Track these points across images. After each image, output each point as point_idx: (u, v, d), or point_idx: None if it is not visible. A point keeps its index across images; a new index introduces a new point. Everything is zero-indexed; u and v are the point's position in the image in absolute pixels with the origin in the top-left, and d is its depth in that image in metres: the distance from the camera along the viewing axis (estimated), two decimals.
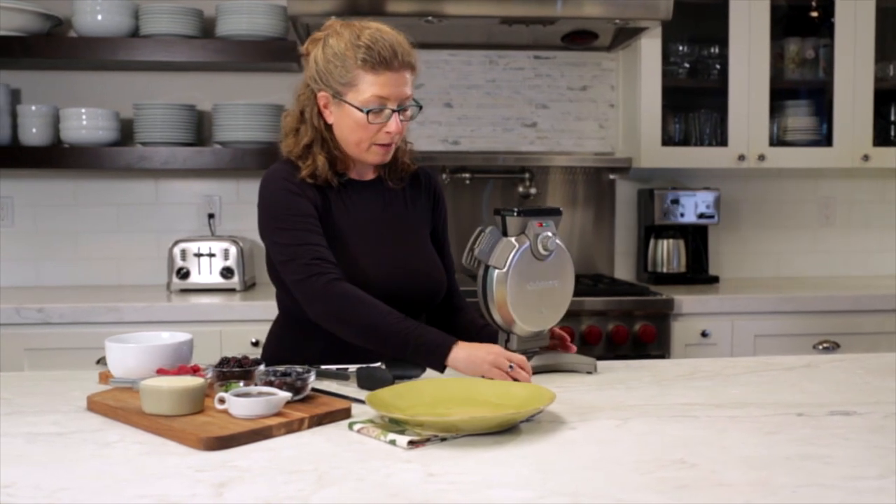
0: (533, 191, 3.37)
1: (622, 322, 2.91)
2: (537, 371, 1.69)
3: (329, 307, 1.68)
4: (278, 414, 1.35)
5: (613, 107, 3.49)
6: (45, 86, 3.25)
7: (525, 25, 2.98)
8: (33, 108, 3.08)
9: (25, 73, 3.24)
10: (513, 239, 1.67)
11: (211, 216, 3.31)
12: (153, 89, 3.28)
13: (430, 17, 2.85)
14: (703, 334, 2.95)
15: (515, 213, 1.68)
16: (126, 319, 2.74)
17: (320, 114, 1.79)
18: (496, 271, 1.66)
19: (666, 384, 1.66)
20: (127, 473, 1.14)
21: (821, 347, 2.98)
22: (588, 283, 3.17)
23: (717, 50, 3.29)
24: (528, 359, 1.66)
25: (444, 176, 3.34)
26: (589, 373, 1.70)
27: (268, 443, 1.28)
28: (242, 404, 1.33)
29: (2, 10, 2.96)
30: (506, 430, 1.33)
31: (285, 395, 1.36)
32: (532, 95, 3.47)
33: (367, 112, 1.71)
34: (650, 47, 3.18)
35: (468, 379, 1.54)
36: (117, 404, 1.41)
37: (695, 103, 3.36)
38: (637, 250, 3.47)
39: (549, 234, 1.65)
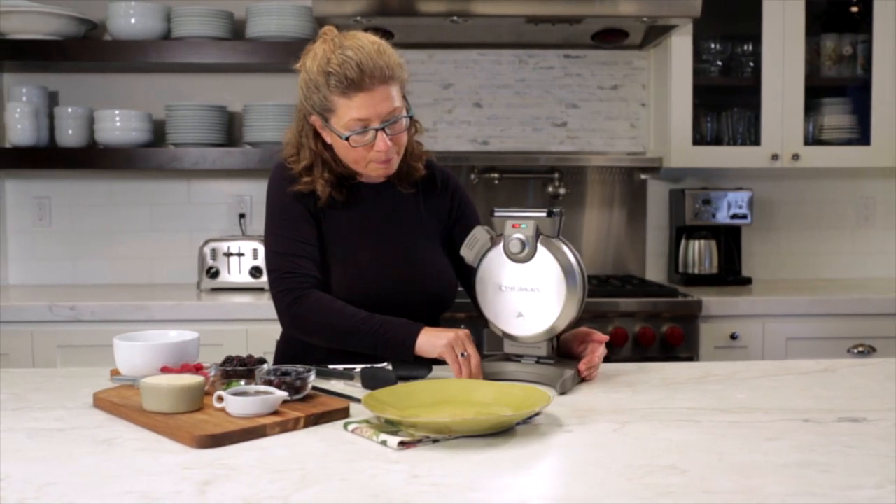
0: (562, 191, 3.35)
1: (649, 324, 2.87)
2: (506, 378, 1.63)
3: (294, 323, 1.75)
4: (275, 413, 1.36)
5: (645, 106, 3.45)
6: (81, 88, 3.32)
7: (551, 24, 2.96)
8: (69, 109, 3.15)
9: (62, 75, 3.31)
10: (496, 238, 1.67)
11: (242, 216, 3.35)
12: (185, 90, 3.33)
13: (455, 17, 2.85)
14: (733, 337, 2.89)
15: (492, 214, 1.67)
16: (155, 318, 2.79)
17: (317, 136, 1.78)
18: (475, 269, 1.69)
19: (673, 387, 1.63)
20: (117, 470, 1.16)
21: (856, 351, 2.91)
22: (617, 283, 3.14)
23: (750, 47, 3.23)
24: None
25: (472, 176, 3.34)
26: (563, 393, 1.56)
27: (261, 441, 1.28)
28: (239, 403, 1.34)
29: (39, 15, 3.04)
30: (501, 432, 1.32)
31: (282, 394, 1.37)
32: (562, 95, 3.44)
33: (347, 137, 1.69)
34: (681, 45, 3.14)
35: (467, 381, 1.54)
36: (121, 401, 1.43)
37: (727, 102, 3.30)
38: (669, 251, 3.43)
39: (519, 236, 1.61)
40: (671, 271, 3.39)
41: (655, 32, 3.13)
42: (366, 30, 3.03)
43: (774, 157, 3.15)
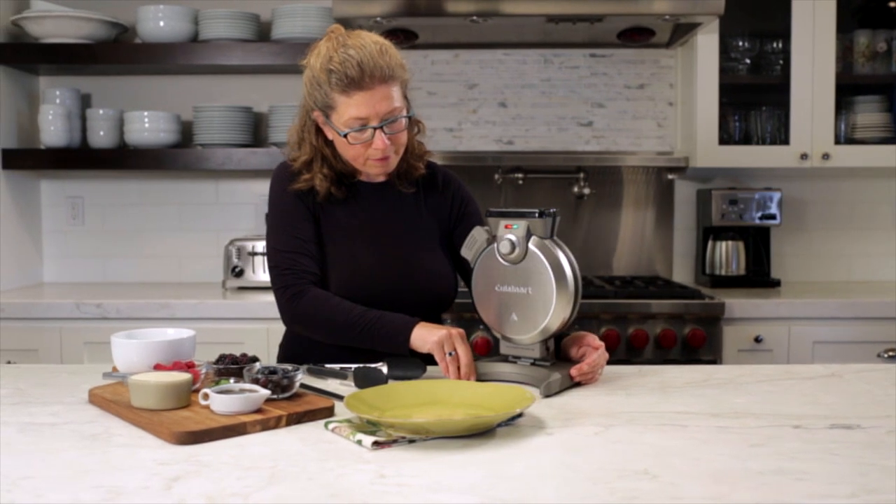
0: (587, 191, 3.32)
1: (671, 325, 2.83)
2: (494, 379, 1.64)
3: (294, 318, 1.79)
4: (258, 411, 1.37)
5: (672, 105, 3.40)
6: (112, 90, 3.40)
7: (572, 23, 2.94)
8: (101, 111, 3.22)
9: (94, 78, 3.39)
10: (491, 239, 1.68)
11: (268, 216, 3.38)
12: (212, 92, 3.38)
13: (475, 17, 2.85)
14: (757, 340, 2.84)
15: (487, 214, 1.67)
16: (178, 315, 2.84)
17: (318, 132, 1.81)
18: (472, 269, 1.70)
19: (670, 391, 1.61)
20: (93, 465, 1.18)
21: (886, 356, 2.83)
22: (640, 284, 3.10)
23: (779, 45, 3.16)
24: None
25: (496, 176, 3.33)
26: (548, 395, 1.55)
27: (240, 439, 1.30)
28: (221, 400, 1.36)
29: (71, 20, 3.11)
30: (481, 433, 1.32)
31: (265, 392, 1.39)
32: (588, 94, 3.41)
33: (346, 134, 1.72)
34: (707, 43, 3.09)
35: (455, 381, 1.54)
36: (113, 398, 1.46)
37: (756, 100, 3.24)
38: (696, 252, 3.38)
39: (510, 237, 1.61)
40: (698, 273, 3.34)
41: (682, 30, 3.09)
42: (389, 31, 3.07)
43: (803, 156, 3.08)
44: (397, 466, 1.17)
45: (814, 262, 3.42)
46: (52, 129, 3.15)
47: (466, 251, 1.72)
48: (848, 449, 1.25)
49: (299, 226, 1.80)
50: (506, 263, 1.64)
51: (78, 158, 3.22)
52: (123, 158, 3.21)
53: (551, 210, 1.63)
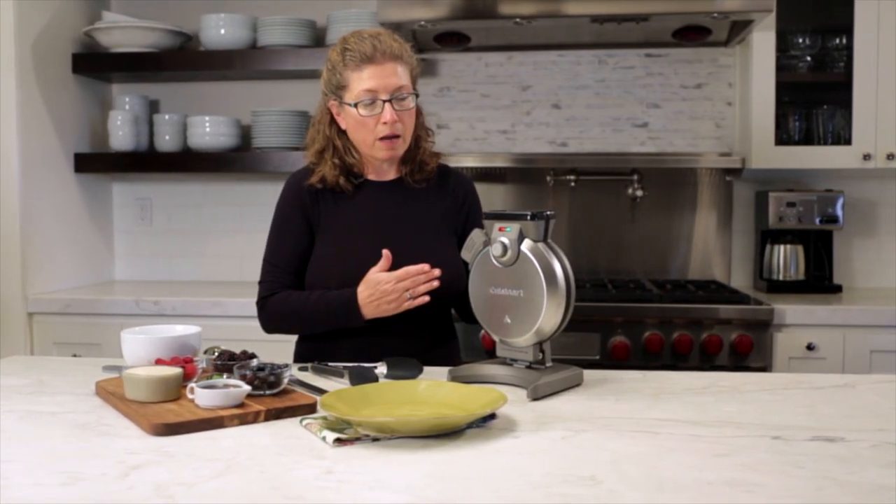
0: (640, 193, 3.27)
1: (717, 331, 2.76)
2: (483, 381, 1.65)
3: (264, 325, 1.98)
4: (240, 406, 1.42)
5: (731, 105, 3.31)
6: (178, 96, 3.55)
7: (617, 23, 2.90)
8: (166, 117, 3.37)
9: (162, 85, 3.55)
10: (488, 242, 1.68)
11: None
12: (270, 96, 3.49)
13: (518, 20, 2.85)
14: (809, 347, 2.73)
15: (483, 216, 1.68)
16: (230, 313, 2.94)
17: (332, 122, 1.90)
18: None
19: (663, 398, 1.58)
20: (69, 452, 1.26)
21: None
22: (691, 289, 3.03)
23: (843, 41, 3.04)
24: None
25: (548, 178, 3.31)
26: (535, 398, 1.55)
27: (216, 432, 1.35)
28: (204, 395, 1.41)
29: (139, 30, 3.27)
30: (449, 434, 1.33)
31: (245, 388, 1.44)
32: (643, 95, 3.36)
33: (356, 105, 1.81)
34: (762, 40, 2.99)
35: (436, 382, 1.55)
36: (113, 390, 1.54)
37: (817, 99, 3.12)
38: (754, 256, 3.27)
39: (502, 240, 1.61)
40: (756, 278, 3.24)
41: (739, 28, 3.00)
42: (442, 34, 3.10)
43: (867, 156, 2.95)
44: (349, 463, 1.20)
45: (880, 268, 3.27)
46: (121, 133, 3.31)
47: (466, 253, 1.73)
48: (817, 462, 1.21)
49: (286, 239, 1.95)
50: (499, 266, 1.64)
51: (145, 161, 3.37)
52: (187, 161, 3.35)
53: (545, 213, 1.63)
